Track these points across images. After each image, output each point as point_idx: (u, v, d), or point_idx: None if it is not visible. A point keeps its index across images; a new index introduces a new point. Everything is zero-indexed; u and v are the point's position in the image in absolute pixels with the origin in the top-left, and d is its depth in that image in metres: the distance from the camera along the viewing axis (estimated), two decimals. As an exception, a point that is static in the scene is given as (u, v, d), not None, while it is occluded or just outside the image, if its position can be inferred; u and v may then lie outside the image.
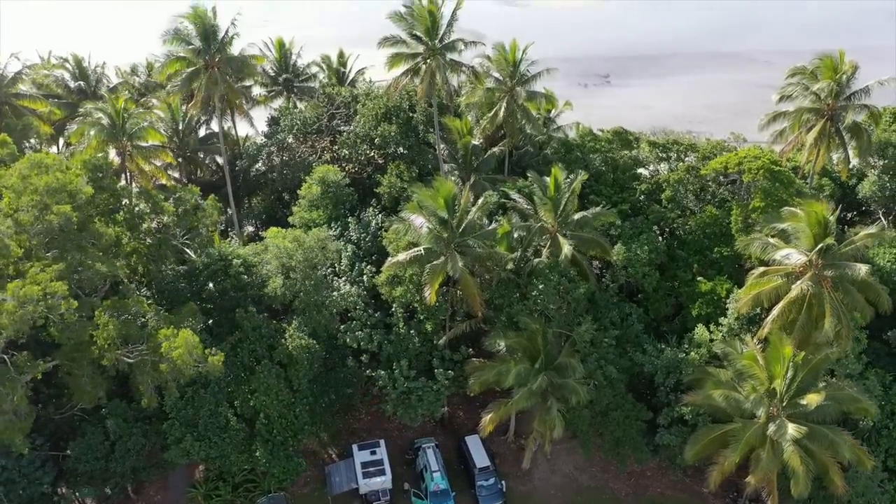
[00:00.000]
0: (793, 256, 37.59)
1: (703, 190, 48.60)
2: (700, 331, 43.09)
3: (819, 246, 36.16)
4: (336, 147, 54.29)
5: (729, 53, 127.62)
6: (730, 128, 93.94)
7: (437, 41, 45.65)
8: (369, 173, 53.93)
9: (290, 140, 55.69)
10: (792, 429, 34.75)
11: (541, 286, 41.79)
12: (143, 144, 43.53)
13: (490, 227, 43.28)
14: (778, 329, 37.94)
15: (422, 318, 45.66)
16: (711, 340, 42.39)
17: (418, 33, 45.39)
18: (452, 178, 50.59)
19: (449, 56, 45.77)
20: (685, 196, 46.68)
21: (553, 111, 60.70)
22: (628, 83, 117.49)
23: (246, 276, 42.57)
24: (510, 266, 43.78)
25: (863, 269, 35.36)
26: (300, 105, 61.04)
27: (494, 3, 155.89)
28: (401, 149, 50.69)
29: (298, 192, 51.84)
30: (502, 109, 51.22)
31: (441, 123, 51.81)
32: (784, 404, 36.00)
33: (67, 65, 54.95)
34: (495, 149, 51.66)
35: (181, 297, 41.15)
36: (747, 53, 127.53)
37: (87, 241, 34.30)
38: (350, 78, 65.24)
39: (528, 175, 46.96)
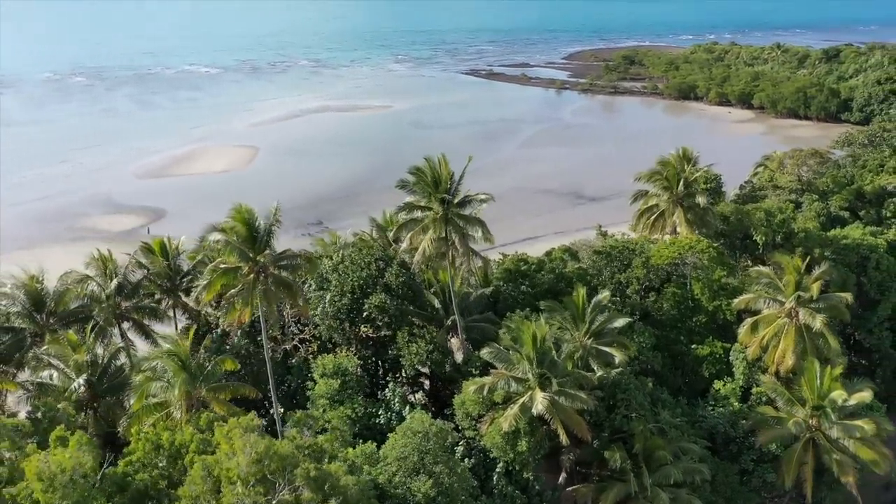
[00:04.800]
0: (789, 302, 49.39)
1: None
2: (718, 385, 51.80)
3: (813, 287, 48.63)
4: (318, 336, 49.09)
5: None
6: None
7: (454, 199, 46.59)
8: (358, 349, 50.11)
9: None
10: (863, 423, 45.38)
11: (629, 392, 45.74)
12: (217, 384, 33.98)
13: (562, 356, 45.52)
14: (796, 358, 49.03)
15: (516, 468, 44.72)
16: (733, 389, 51.41)
17: (440, 195, 45.65)
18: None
19: (462, 211, 46.99)
20: (645, 286, 55.71)
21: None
22: (339, 224, 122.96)
23: (399, 491, 36.55)
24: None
25: (848, 297, 48.83)
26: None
27: (138, 178, 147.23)
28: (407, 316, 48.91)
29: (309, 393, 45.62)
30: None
31: (420, 277, 52.00)
32: (839, 411, 46.63)
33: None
34: (485, 290, 53.37)
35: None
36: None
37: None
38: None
39: (542, 305, 50.57)
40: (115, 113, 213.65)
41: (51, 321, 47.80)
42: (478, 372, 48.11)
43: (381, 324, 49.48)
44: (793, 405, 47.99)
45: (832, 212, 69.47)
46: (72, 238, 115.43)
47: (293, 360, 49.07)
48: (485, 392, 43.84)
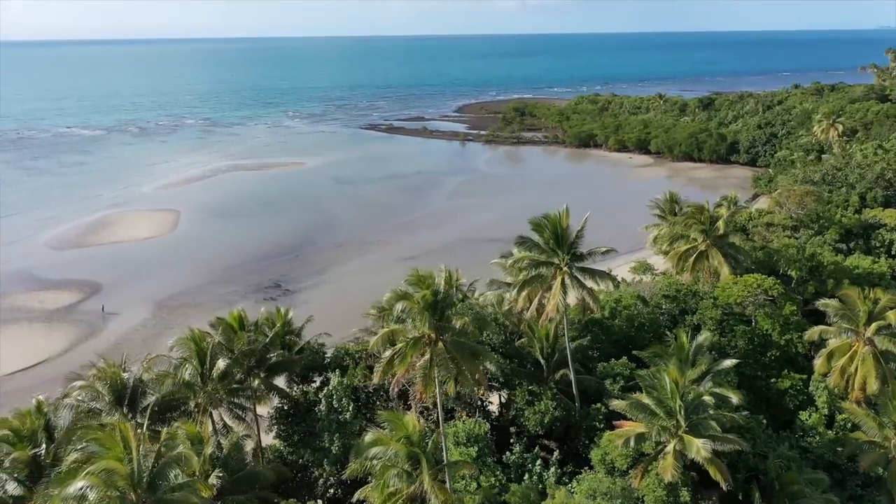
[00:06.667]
0: (869, 331, 52.58)
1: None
2: (804, 416, 53.80)
3: (889, 315, 52.07)
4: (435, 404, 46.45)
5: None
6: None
7: (578, 253, 46.02)
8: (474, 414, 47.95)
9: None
10: (953, 439, 48.72)
11: (752, 430, 46.70)
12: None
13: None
14: (879, 383, 52.07)
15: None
16: (819, 419, 53.60)
17: (567, 251, 44.95)
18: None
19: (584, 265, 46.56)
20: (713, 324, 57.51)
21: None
22: (300, 286, 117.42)
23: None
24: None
25: (919, 320, 52.66)
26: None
27: (54, 250, 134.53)
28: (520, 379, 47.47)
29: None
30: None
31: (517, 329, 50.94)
32: (928, 428, 49.86)
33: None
34: (583, 341, 52.81)
35: None
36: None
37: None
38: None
39: (645, 354, 50.76)
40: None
41: (138, 414, 42.29)
42: (602, 425, 47.39)
43: (495, 385, 47.75)
44: (883, 428, 50.72)
45: (830, 244, 75.39)
46: (3, 320, 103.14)
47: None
48: (632, 443, 43.18)
